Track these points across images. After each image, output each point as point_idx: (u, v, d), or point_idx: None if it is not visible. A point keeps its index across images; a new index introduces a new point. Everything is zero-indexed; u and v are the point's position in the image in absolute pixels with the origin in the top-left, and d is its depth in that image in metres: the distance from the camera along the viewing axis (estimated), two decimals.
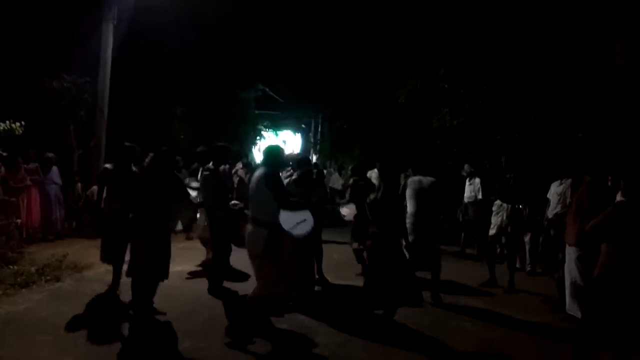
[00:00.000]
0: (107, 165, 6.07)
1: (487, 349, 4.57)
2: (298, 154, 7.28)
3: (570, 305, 4.78)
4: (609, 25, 7.88)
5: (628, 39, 7.57)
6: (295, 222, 4.36)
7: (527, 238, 7.49)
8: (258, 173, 4.51)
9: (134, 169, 5.78)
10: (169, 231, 5.15)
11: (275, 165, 4.55)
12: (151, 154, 5.09)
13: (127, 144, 5.95)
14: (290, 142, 22.74)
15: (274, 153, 4.59)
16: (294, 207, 4.45)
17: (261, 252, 4.28)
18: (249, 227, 4.46)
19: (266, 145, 5.09)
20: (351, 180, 7.30)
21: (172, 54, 13.66)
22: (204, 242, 6.61)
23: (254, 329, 4.43)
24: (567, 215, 5.11)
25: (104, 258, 5.81)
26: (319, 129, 22.56)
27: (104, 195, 5.78)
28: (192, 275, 6.74)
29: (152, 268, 4.81)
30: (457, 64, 11.09)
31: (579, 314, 4.53)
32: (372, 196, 5.25)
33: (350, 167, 7.91)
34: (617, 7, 7.73)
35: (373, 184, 6.94)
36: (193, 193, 6.29)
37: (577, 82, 8.96)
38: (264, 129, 20.27)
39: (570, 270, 4.81)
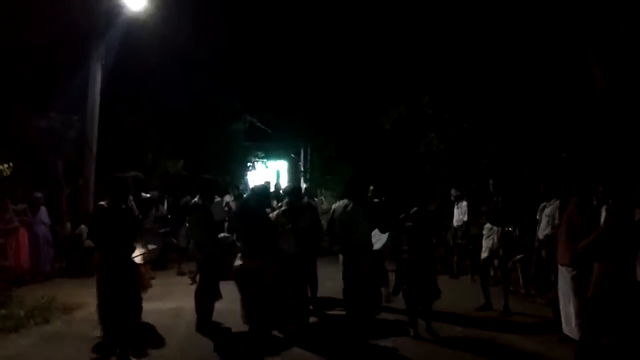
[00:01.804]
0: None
1: None
2: (289, 185, 7.30)
3: (566, 326, 4.78)
4: (587, 51, 8.16)
5: (604, 64, 7.85)
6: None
7: (518, 260, 7.53)
8: (351, 207, 5.09)
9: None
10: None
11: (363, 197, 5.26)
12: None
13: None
14: (283, 172, 22.78)
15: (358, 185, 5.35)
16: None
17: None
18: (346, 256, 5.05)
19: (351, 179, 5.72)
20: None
21: (159, 89, 13.77)
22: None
23: None
24: (557, 236, 5.15)
25: None
26: (308, 158, 22.68)
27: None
28: (181, 311, 6.63)
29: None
30: (440, 90, 11.34)
31: (575, 335, 4.53)
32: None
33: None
34: (594, 36, 8.03)
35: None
36: None
37: (559, 104, 9.19)
38: (257, 160, 20.36)
39: (563, 291, 4.83)
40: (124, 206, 4.75)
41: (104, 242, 4.62)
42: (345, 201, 5.29)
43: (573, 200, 4.91)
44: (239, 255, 5.08)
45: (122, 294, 4.47)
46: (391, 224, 5.76)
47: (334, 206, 5.48)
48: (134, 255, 4.94)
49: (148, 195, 5.92)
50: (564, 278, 4.83)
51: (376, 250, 5.75)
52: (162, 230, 7.15)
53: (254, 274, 4.83)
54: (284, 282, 5.66)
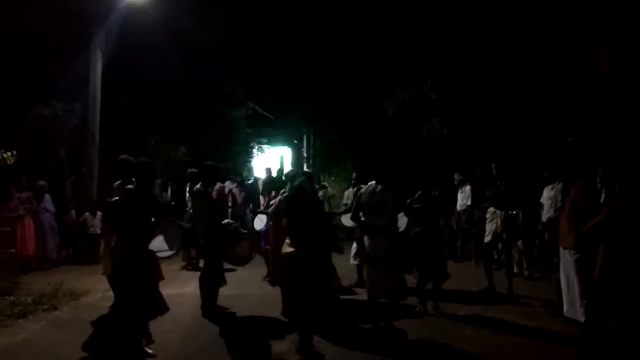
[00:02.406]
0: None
1: (490, 356, 4.57)
2: (291, 171, 7.29)
3: (569, 309, 4.82)
4: (593, 33, 8.07)
5: (610, 47, 7.77)
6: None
7: (520, 243, 7.56)
8: (380, 189, 5.19)
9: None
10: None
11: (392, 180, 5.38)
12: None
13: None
14: (287, 158, 22.78)
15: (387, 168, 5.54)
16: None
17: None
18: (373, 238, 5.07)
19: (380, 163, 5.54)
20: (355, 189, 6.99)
21: (160, 75, 13.72)
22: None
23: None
24: (560, 219, 5.16)
25: None
26: (311, 144, 22.64)
27: None
28: (187, 296, 6.69)
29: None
30: (444, 74, 11.25)
31: (578, 317, 4.56)
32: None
33: (354, 175, 7.67)
34: (599, 19, 7.93)
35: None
36: None
37: (564, 87, 9.11)
38: (262, 146, 20.34)
39: (566, 274, 4.85)
40: (149, 193, 4.57)
41: (127, 228, 4.42)
42: (373, 184, 5.33)
43: (577, 184, 4.90)
44: (287, 242, 4.95)
45: (140, 283, 4.37)
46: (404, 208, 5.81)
47: (361, 190, 5.49)
48: (159, 250, 4.88)
49: None
50: (567, 261, 4.84)
51: (401, 232, 5.78)
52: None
53: (304, 260, 4.73)
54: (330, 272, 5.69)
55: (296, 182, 5.05)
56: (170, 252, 5.26)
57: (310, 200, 4.90)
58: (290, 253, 4.74)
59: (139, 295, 4.34)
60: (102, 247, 5.81)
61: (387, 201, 5.18)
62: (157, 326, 5.19)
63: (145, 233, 4.49)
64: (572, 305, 4.77)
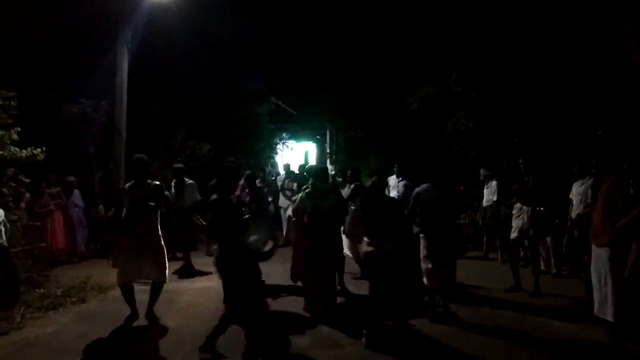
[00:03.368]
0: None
1: (515, 355, 4.48)
2: (312, 166, 7.27)
3: (599, 308, 4.65)
4: (623, 23, 7.79)
5: None
6: None
7: (549, 240, 7.39)
8: (437, 190, 5.42)
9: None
10: None
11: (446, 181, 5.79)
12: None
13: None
14: (312, 153, 22.68)
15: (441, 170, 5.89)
16: None
17: None
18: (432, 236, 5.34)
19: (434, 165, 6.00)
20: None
21: (184, 72, 13.86)
22: None
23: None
24: (592, 215, 4.98)
25: None
26: (334, 139, 22.57)
27: None
28: (210, 290, 6.75)
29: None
30: (469, 67, 11.04)
31: (608, 317, 4.41)
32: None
33: (349, 173, 7.83)
34: (630, 6, 7.64)
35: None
36: None
37: (594, 80, 8.84)
38: (285, 141, 20.33)
39: (598, 271, 4.69)
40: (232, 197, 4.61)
41: (227, 236, 4.34)
42: (428, 185, 5.56)
43: (610, 179, 4.73)
44: (365, 240, 5.09)
45: (253, 289, 4.37)
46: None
47: (417, 190, 5.65)
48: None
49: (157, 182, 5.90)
50: (599, 258, 4.67)
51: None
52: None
53: (386, 257, 4.88)
54: (312, 264, 5.72)
55: (369, 183, 5.32)
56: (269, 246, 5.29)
57: (387, 199, 5.23)
58: (372, 251, 4.97)
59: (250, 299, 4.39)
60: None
61: (444, 200, 5.43)
62: (182, 320, 5.28)
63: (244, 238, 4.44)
64: (603, 304, 4.59)
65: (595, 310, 4.70)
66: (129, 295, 5.43)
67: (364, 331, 4.73)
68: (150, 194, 5.34)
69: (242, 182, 7.86)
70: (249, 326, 4.37)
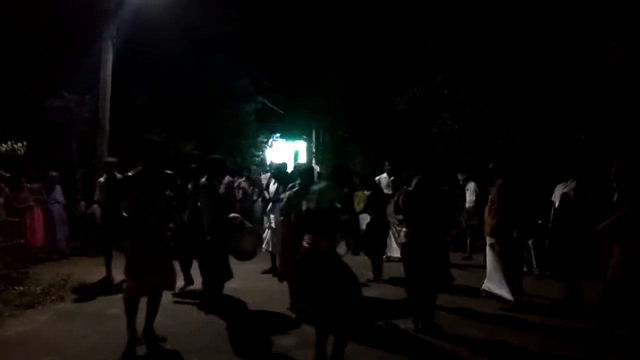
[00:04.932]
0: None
1: (498, 355, 4.51)
2: (301, 165, 7.27)
3: (486, 283, 6.12)
4: (608, 27, 7.90)
5: (626, 41, 7.60)
6: None
7: (531, 242, 7.47)
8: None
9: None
10: None
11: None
12: None
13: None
14: (302, 151, 22.57)
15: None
16: None
17: None
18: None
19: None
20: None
21: (170, 69, 13.72)
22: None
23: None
24: (484, 210, 6.26)
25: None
26: (320, 139, 22.54)
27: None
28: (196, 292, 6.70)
29: None
30: (455, 69, 11.13)
31: (495, 290, 5.88)
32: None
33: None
34: (615, 11, 7.76)
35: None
36: None
37: (578, 83, 8.97)
38: (273, 140, 20.21)
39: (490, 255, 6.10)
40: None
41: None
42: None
43: (498, 182, 5.95)
44: (404, 232, 5.25)
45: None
46: None
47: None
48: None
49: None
50: (488, 245, 6.13)
51: None
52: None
53: (423, 249, 5.05)
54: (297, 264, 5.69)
55: (415, 180, 5.34)
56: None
57: (430, 195, 5.28)
58: (408, 241, 5.16)
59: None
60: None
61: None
62: (165, 320, 5.21)
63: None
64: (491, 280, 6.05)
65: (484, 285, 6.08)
66: (133, 312, 4.41)
67: (413, 318, 5.05)
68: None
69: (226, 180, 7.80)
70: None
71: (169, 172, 4.54)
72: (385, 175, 9.31)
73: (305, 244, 4.01)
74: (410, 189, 5.46)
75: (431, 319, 5.08)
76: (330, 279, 3.85)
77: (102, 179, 7.48)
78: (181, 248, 6.24)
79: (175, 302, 6.08)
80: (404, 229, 5.40)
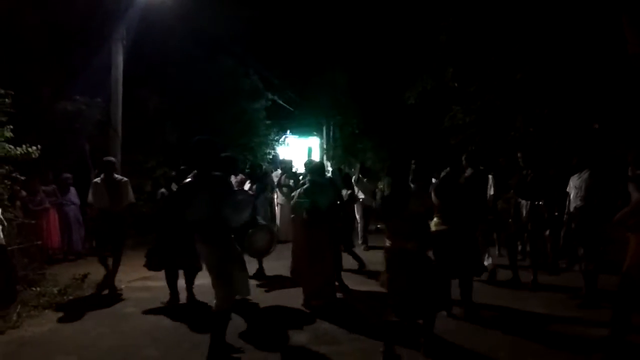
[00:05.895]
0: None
1: (516, 348, 4.47)
2: (310, 161, 7.24)
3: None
4: (619, 15, 7.76)
5: (638, 29, 7.46)
6: None
7: (547, 234, 7.38)
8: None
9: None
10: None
11: None
12: None
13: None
14: (315, 148, 22.54)
15: None
16: None
17: None
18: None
19: None
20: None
21: (180, 69, 13.77)
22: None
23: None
24: None
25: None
26: (331, 135, 22.53)
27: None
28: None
29: None
30: (466, 61, 11.02)
31: None
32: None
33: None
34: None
35: None
36: None
37: (590, 72, 8.83)
38: (287, 136, 20.19)
39: None
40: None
41: None
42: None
43: None
44: (435, 220, 5.24)
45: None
46: None
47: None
48: None
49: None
50: None
51: None
52: None
53: (454, 236, 5.12)
54: (310, 260, 5.73)
55: (446, 171, 5.42)
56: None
57: (463, 185, 5.45)
58: (441, 230, 5.13)
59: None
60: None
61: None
62: (186, 316, 5.25)
63: None
64: None
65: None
66: (227, 323, 4.19)
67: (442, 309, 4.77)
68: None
69: (239, 177, 7.83)
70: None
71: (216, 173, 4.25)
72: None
73: (389, 243, 4.19)
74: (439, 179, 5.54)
75: (470, 306, 5.21)
76: (418, 277, 4.04)
77: (98, 180, 6.81)
78: (166, 256, 5.93)
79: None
80: (435, 219, 5.31)
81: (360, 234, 10.06)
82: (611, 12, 8.01)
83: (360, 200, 9.94)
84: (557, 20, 9.22)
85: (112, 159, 7.44)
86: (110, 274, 6.65)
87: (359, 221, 10.13)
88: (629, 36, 7.63)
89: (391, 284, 4.16)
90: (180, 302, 5.97)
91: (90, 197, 6.82)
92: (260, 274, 7.29)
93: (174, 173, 6.98)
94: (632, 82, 7.82)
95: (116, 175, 6.91)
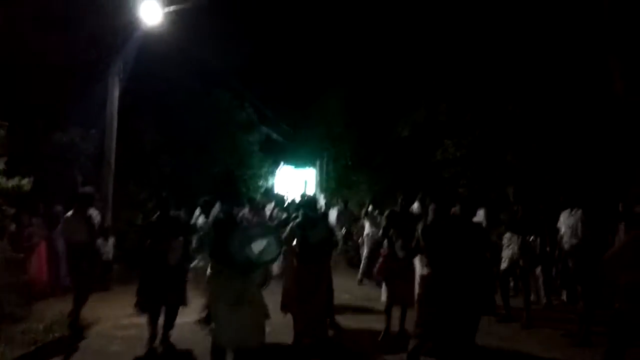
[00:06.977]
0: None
1: None
2: (303, 195, 7.27)
3: None
4: (606, 55, 8.01)
5: (624, 70, 7.70)
6: None
7: (538, 270, 7.36)
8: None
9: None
10: None
11: None
12: None
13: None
14: (311, 181, 22.65)
15: None
16: None
17: None
18: None
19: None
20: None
21: (175, 102, 13.93)
22: None
23: None
24: None
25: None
26: (324, 168, 22.63)
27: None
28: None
29: None
30: (458, 97, 11.23)
31: None
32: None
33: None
34: (612, 39, 7.88)
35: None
36: None
37: (577, 109, 9.01)
38: (281, 168, 20.28)
39: None
40: None
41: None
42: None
43: None
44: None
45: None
46: None
47: None
48: None
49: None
50: None
51: None
52: None
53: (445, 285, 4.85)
54: (301, 296, 5.67)
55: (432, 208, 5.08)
56: None
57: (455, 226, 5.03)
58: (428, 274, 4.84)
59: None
60: None
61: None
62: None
63: None
64: None
65: None
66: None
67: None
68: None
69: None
70: None
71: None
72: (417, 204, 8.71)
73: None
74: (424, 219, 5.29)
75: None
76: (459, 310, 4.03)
77: (69, 214, 6.40)
78: (152, 295, 5.62)
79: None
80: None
81: (362, 269, 9.58)
82: (598, 53, 8.25)
83: (369, 234, 9.50)
84: (547, 59, 9.46)
85: (89, 190, 7.05)
86: (74, 312, 6.33)
87: (364, 255, 9.66)
88: (615, 77, 7.85)
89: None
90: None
91: (67, 233, 6.52)
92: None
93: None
94: (618, 119, 7.98)
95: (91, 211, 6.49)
